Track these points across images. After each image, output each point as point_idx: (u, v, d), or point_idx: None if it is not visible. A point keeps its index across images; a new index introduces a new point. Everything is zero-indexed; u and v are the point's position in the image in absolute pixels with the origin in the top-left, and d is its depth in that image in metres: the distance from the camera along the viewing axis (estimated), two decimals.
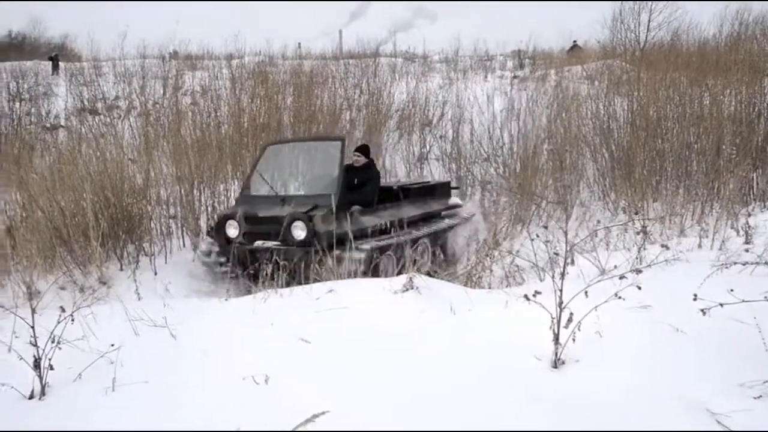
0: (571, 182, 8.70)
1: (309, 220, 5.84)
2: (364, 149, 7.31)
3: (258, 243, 6.03)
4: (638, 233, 4.55)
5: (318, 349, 2.91)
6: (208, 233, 6.82)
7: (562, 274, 2.92)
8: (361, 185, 6.88)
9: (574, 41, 22.67)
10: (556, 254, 3.22)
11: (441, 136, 11.71)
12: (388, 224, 6.44)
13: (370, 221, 6.31)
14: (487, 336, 3.21)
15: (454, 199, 8.40)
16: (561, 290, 2.89)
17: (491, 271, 5.17)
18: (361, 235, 6.05)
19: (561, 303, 2.89)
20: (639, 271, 3.13)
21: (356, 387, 2.54)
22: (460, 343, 3.09)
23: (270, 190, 6.58)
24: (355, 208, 6.30)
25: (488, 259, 5.16)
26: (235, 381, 2.69)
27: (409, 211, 7.07)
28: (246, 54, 18.06)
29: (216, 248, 6.57)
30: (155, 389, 2.81)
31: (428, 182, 8.45)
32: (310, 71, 13.51)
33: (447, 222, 7.71)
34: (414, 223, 7.00)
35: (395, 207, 7.01)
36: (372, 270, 5.70)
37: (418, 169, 11.15)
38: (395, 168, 10.66)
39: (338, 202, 5.99)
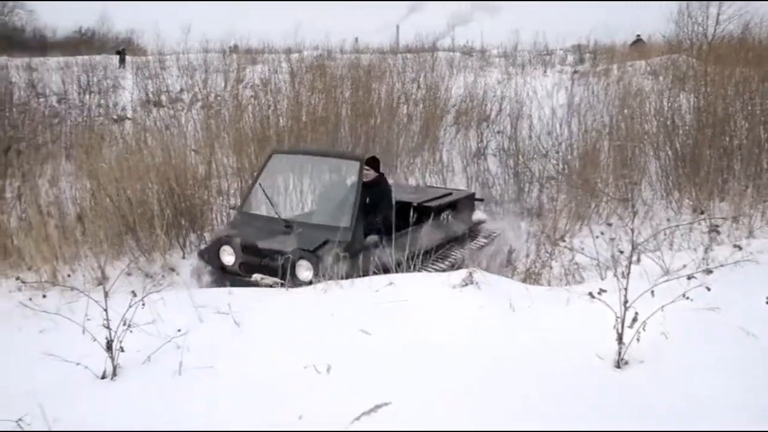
0: (637, 179, 8.48)
1: (317, 259, 5.03)
2: (372, 163, 6.24)
3: (256, 277, 5.18)
4: (708, 233, 4.42)
5: (378, 341, 2.94)
6: (200, 254, 6.02)
7: (628, 272, 2.86)
8: (373, 205, 5.92)
9: (638, 35, 22.00)
10: (621, 252, 3.15)
11: (498, 132, 11.59)
12: (408, 260, 5.28)
13: (386, 257, 5.29)
14: (548, 333, 3.18)
15: (478, 215, 7.51)
16: (626, 288, 2.83)
17: (551, 268, 5.10)
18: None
19: (626, 302, 2.83)
20: (710, 272, 3.04)
21: (416, 380, 2.55)
22: (520, 339, 3.06)
23: (273, 212, 5.73)
24: (371, 239, 5.52)
25: (548, 256, 5.09)
26: (297, 369, 2.74)
27: (430, 236, 6.02)
28: (305, 48, 18.27)
29: (207, 273, 5.73)
30: (220, 374, 2.89)
31: (450, 193, 7.30)
32: (369, 65, 13.56)
33: (471, 245, 6.69)
34: (438, 247, 6.10)
35: (415, 232, 5.79)
36: None
37: (475, 164, 11.05)
38: (452, 163, 10.58)
39: (353, 236, 5.28)
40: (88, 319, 3.52)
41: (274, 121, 10.15)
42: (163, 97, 13.73)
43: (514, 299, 3.52)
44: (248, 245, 5.41)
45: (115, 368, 3.04)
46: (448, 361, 2.73)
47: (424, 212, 6.35)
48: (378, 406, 2.08)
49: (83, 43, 30.40)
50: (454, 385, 2.54)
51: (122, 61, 20.54)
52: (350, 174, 5.81)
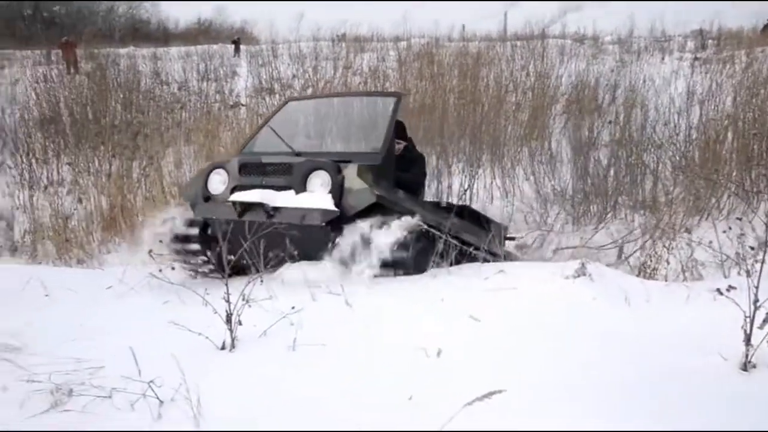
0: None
1: (337, 171, 4.14)
2: (400, 132, 5.12)
3: (237, 196, 4.23)
4: None
5: (488, 328, 2.93)
6: (182, 191, 5.04)
7: (760, 270, 2.69)
8: (403, 171, 4.99)
9: None
10: (752, 248, 2.96)
11: (610, 121, 11.16)
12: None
13: (420, 208, 4.58)
14: (666, 330, 3.04)
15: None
16: (757, 287, 2.66)
17: (668, 263, 4.87)
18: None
19: (756, 301, 2.66)
20: None
21: (529, 369, 2.52)
22: (637, 334, 2.95)
23: (284, 146, 4.71)
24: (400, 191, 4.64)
25: (665, 250, 4.86)
26: (407, 352, 2.78)
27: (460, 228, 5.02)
28: (412, 36, 18.31)
29: (179, 223, 4.69)
30: (331, 352, 2.97)
31: (477, 220, 5.61)
32: (477, 53, 13.42)
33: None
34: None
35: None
36: (416, 262, 4.10)
37: (582, 156, 10.69)
38: (561, 153, 10.29)
39: (383, 162, 4.42)
40: (207, 293, 3.73)
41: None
42: (275, 84, 14.20)
43: (629, 293, 3.39)
44: (248, 163, 4.52)
45: (233, 340, 3.19)
46: (562, 352, 2.68)
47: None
48: (492, 393, 2.07)
49: (202, 33, 31.91)
50: (568, 377, 2.49)
51: (237, 50, 21.41)
52: (384, 109, 4.89)
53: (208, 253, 4.43)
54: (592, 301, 3.28)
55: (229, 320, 3.19)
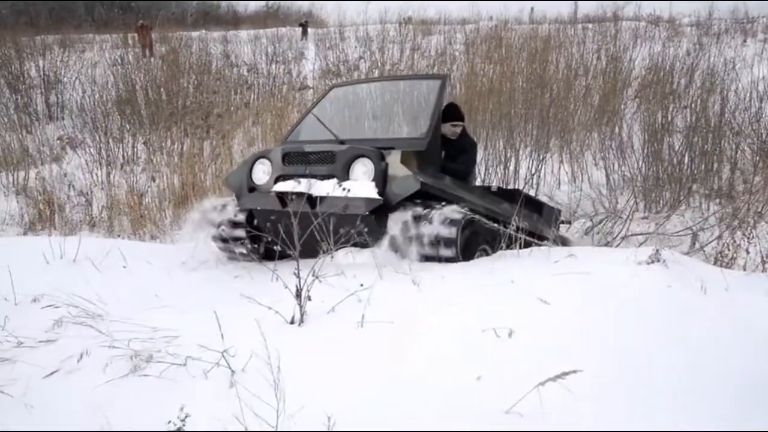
0: None
1: (381, 158, 4.08)
2: (460, 113, 5.06)
3: (280, 186, 4.21)
4: None
5: (558, 311, 2.87)
6: (226, 181, 5.02)
7: None
8: (452, 158, 4.96)
9: None
10: None
11: (685, 107, 10.73)
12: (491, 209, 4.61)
13: (467, 194, 4.51)
14: (747, 321, 2.93)
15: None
16: None
17: (747, 252, 4.67)
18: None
19: None
20: None
21: (602, 353, 2.47)
22: (715, 325, 2.85)
23: (328, 134, 4.65)
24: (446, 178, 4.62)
25: (745, 239, 4.67)
26: (476, 332, 2.76)
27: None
28: (481, 18, 18.07)
29: (224, 217, 4.74)
30: (399, 330, 2.98)
31: (529, 204, 5.47)
32: (547, 35, 13.12)
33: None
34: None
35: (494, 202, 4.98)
36: (463, 250, 3.98)
37: (655, 141, 10.33)
38: (632, 139, 9.96)
39: (428, 146, 4.32)
40: (276, 270, 3.81)
41: (448, 90, 10.17)
42: (342, 67, 14.28)
43: (706, 281, 3.27)
44: (291, 152, 4.47)
45: (302, 315, 3.25)
46: (635, 338, 2.61)
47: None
48: (566, 373, 2.04)
49: (270, 16, 32.33)
50: (642, 362, 2.43)
51: (304, 33, 21.61)
52: (429, 92, 4.73)
53: (253, 244, 4.58)
54: (666, 288, 3.18)
55: (299, 295, 3.25)
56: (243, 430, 2.24)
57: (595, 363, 2.35)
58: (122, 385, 2.75)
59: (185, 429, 2.15)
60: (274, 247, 4.22)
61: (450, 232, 3.86)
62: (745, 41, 16.92)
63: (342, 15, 19.57)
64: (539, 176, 9.14)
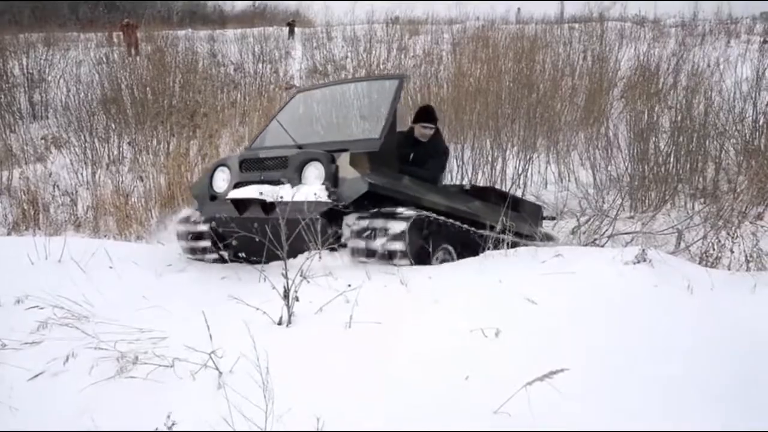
0: None
1: (331, 161, 4.07)
2: (432, 116, 5.10)
3: (234, 193, 4.23)
4: None
5: (545, 311, 2.89)
6: (192, 189, 5.13)
7: None
8: (420, 161, 4.97)
9: None
10: None
11: (670, 107, 10.81)
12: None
13: (427, 193, 4.48)
14: (733, 321, 2.95)
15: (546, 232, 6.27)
16: None
17: (732, 252, 4.72)
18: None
19: None
20: None
21: (589, 352, 2.48)
22: (701, 322, 2.88)
23: (287, 140, 4.76)
24: (406, 178, 4.55)
25: (729, 238, 4.71)
26: (464, 332, 2.77)
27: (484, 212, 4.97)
28: (468, 19, 18.11)
29: (192, 222, 4.81)
30: (387, 330, 2.98)
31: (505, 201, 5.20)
32: (534, 35, 13.17)
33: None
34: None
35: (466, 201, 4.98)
36: (419, 252, 3.98)
37: (641, 141, 10.41)
38: (618, 139, 10.02)
39: (382, 148, 4.28)
40: (263, 271, 3.80)
41: (435, 90, 10.19)
42: (329, 66, 14.26)
43: (692, 281, 3.30)
44: (248, 159, 4.53)
45: (290, 316, 3.24)
46: (622, 338, 2.63)
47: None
48: (553, 372, 2.05)
49: (257, 15, 32.24)
50: (629, 362, 2.45)
51: (291, 32, 21.56)
52: (387, 93, 4.74)
53: (219, 252, 4.66)
54: (653, 287, 3.21)
55: (286, 296, 3.24)
56: (232, 430, 2.23)
57: (583, 362, 2.36)
58: (109, 387, 2.73)
59: (174, 430, 2.14)
60: (239, 254, 4.45)
61: (400, 235, 3.83)
62: (729, 42, 17.08)
63: (329, 15, 19.59)
64: (526, 176, 9.17)
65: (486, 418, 2.22)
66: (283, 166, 4.25)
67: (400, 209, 4.02)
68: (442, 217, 4.28)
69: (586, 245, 5.37)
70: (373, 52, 14.21)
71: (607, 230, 5.96)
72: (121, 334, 3.13)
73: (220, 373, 2.70)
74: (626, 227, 6.84)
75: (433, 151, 5.02)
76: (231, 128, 10.45)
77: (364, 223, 3.99)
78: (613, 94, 11.99)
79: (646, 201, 8.44)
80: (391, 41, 15.23)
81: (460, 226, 4.46)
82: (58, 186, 8.41)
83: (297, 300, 3.26)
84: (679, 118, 9.91)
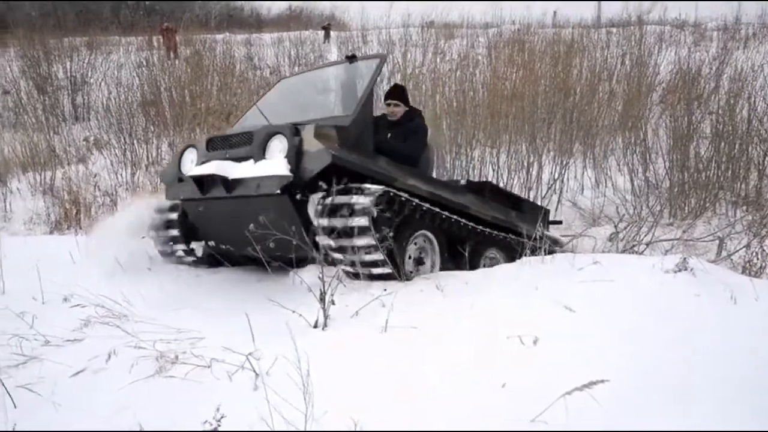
0: None
1: (295, 134, 3.84)
2: (400, 94, 4.98)
3: (195, 171, 4.14)
4: None
5: (585, 319, 2.84)
6: (161, 175, 5.07)
7: None
8: (397, 141, 4.79)
9: None
10: None
11: (711, 112, 10.58)
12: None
13: (405, 175, 4.27)
14: None
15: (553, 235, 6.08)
16: None
17: None
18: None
19: None
20: None
21: (630, 362, 2.43)
22: (746, 335, 2.80)
23: (263, 122, 4.58)
24: (382, 157, 4.32)
25: None
26: (501, 339, 2.74)
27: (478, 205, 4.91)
28: (503, 23, 18.00)
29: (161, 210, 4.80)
30: (423, 335, 2.97)
31: (504, 198, 5.59)
32: (571, 39, 13.02)
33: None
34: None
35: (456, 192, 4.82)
36: (383, 236, 3.68)
37: (681, 147, 10.20)
38: (657, 145, 9.84)
39: (352, 123, 4.06)
40: (296, 272, 3.82)
41: (471, 95, 10.14)
42: None
43: (735, 291, 3.22)
44: (214, 138, 4.41)
45: (326, 319, 3.26)
46: (664, 348, 2.57)
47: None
48: (593, 383, 2.01)
49: (293, 19, 32.49)
50: (672, 372, 2.39)
51: (327, 36, 21.67)
52: (366, 73, 4.57)
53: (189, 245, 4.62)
54: (694, 297, 3.13)
55: (322, 299, 3.25)
56: (274, 430, 2.25)
57: (623, 373, 2.31)
58: (148, 386, 2.77)
59: (221, 429, 2.16)
60: (209, 242, 4.38)
61: (362, 209, 3.63)
62: None
63: (365, 18, 19.65)
64: (562, 181, 9.07)
65: (522, 427, 2.19)
66: (248, 143, 4.07)
67: (367, 185, 3.81)
68: (416, 200, 4.06)
69: (623, 252, 5.28)
70: (409, 55, 14.22)
71: (645, 237, 5.86)
72: (159, 333, 3.18)
73: (257, 374, 2.72)
74: (665, 234, 6.72)
75: (410, 131, 4.84)
76: None
77: (328, 200, 3.79)
78: (652, 98, 11.79)
79: (686, 208, 8.27)
80: (426, 45, 15.20)
81: (446, 215, 4.29)
82: (98, 186, 8.60)
83: (333, 303, 3.27)
84: (721, 124, 9.71)
